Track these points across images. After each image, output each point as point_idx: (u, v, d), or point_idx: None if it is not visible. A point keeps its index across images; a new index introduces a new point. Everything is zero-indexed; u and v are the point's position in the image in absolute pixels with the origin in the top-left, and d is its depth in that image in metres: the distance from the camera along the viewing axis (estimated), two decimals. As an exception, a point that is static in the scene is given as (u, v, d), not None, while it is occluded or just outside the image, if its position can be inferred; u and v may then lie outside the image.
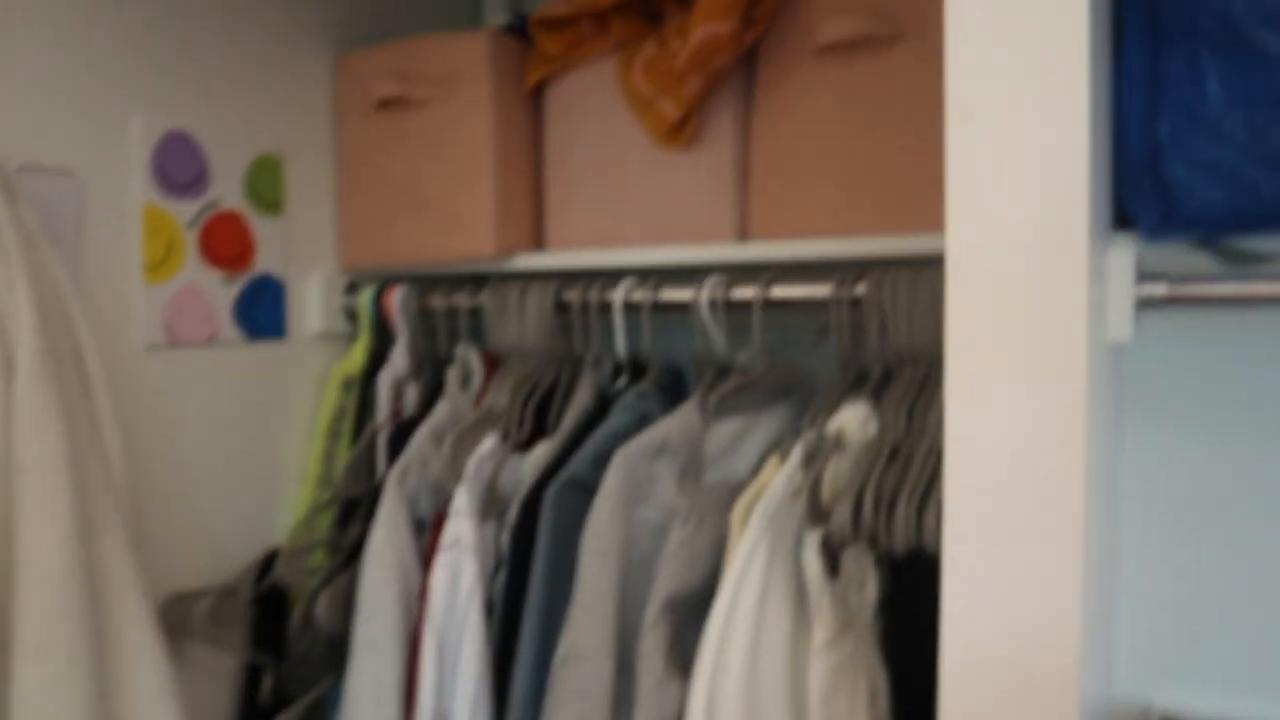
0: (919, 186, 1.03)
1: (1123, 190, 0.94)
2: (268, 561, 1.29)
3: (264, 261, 1.32)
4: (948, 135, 0.64)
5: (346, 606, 1.13)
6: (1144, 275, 0.89)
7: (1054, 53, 0.61)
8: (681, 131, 1.15)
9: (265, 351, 1.34)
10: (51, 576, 0.95)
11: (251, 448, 1.32)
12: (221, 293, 1.28)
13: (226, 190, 1.27)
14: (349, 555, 1.24)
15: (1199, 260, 1.02)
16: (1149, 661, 1.13)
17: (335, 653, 1.23)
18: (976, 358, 0.64)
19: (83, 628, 0.96)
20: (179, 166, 1.22)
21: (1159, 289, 0.90)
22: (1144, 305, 0.89)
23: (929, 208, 1.02)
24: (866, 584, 0.94)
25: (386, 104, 1.33)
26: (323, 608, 1.16)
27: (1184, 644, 1.11)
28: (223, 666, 1.29)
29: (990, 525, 0.64)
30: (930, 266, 0.98)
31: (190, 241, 1.24)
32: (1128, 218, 0.94)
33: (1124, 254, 0.87)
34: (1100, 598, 0.88)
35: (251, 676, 1.30)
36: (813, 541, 0.90)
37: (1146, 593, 1.13)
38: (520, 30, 1.32)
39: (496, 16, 1.56)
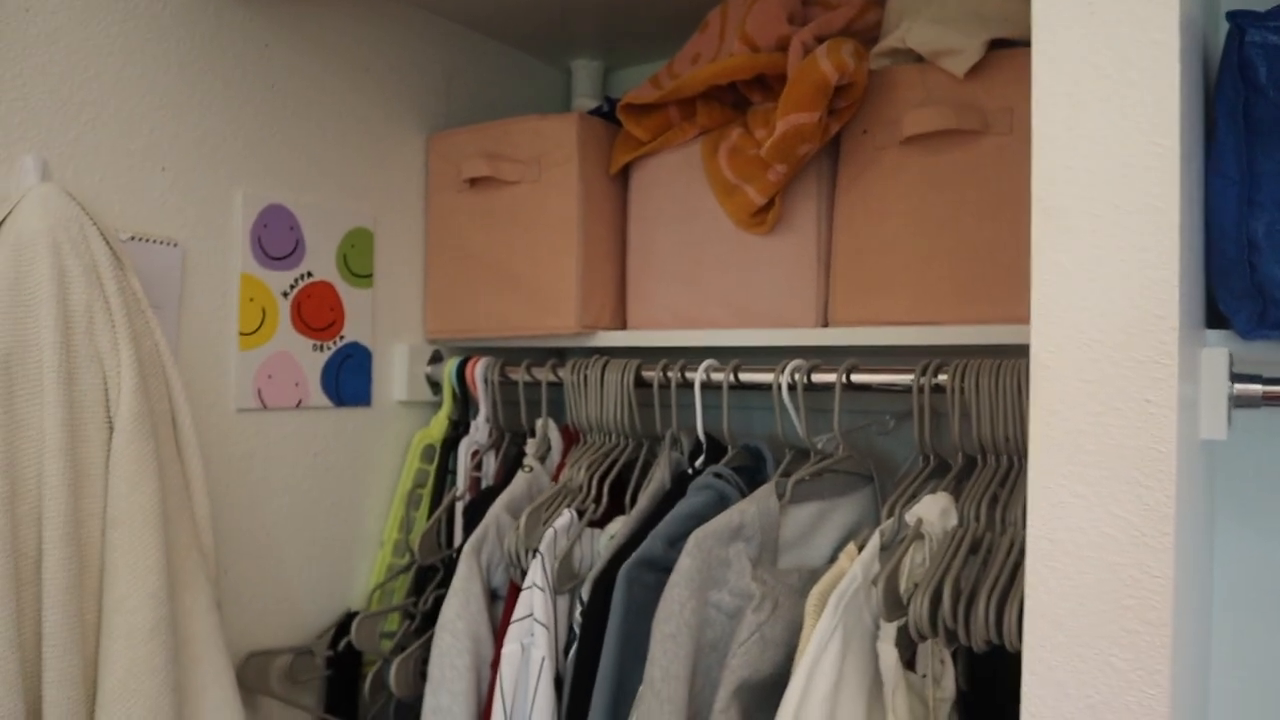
0: (999, 277, 1.03)
1: (1217, 289, 0.92)
2: (344, 624, 1.31)
3: (353, 330, 1.36)
4: (1033, 234, 0.64)
5: (419, 673, 1.15)
6: (1239, 374, 0.88)
7: (1143, 152, 0.61)
8: (765, 217, 1.16)
9: (351, 417, 1.37)
10: (138, 630, 0.98)
11: (333, 511, 1.35)
12: (311, 359, 1.32)
13: (320, 261, 1.32)
14: (424, 622, 1.25)
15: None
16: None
17: (406, 713, 1.24)
18: (1060, 458, 0.63)
19: (165, 682, 0.98)
20: (277, 239, 1.27)
21: (1254, 388, 0.88)
22: (1239, 404, 0.88)
23: (1008, 298, 1.03)
24: (944, 679, 0.92)
25: (476, 182, 1.37)
26: (395, 673, 1.17)
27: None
28: (295, 726, 1.31)
29: (1073, 629, 0.62)
30: (1012, 357, 0.97)
31: (284, 310, 1.28)
32: (1222, 316, 0.93)
33: (1218, 353, 0.86)
34: (1190, 699, 0.84)
35: (323, 737, 1.31)
36: (889, 633, 0.89)
37: (1239, 691, 1.09)
38: (608, 114, 1.36)
39: (585, 100, 1.60)
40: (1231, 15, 0.88)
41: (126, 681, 0.97)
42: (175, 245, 1.16)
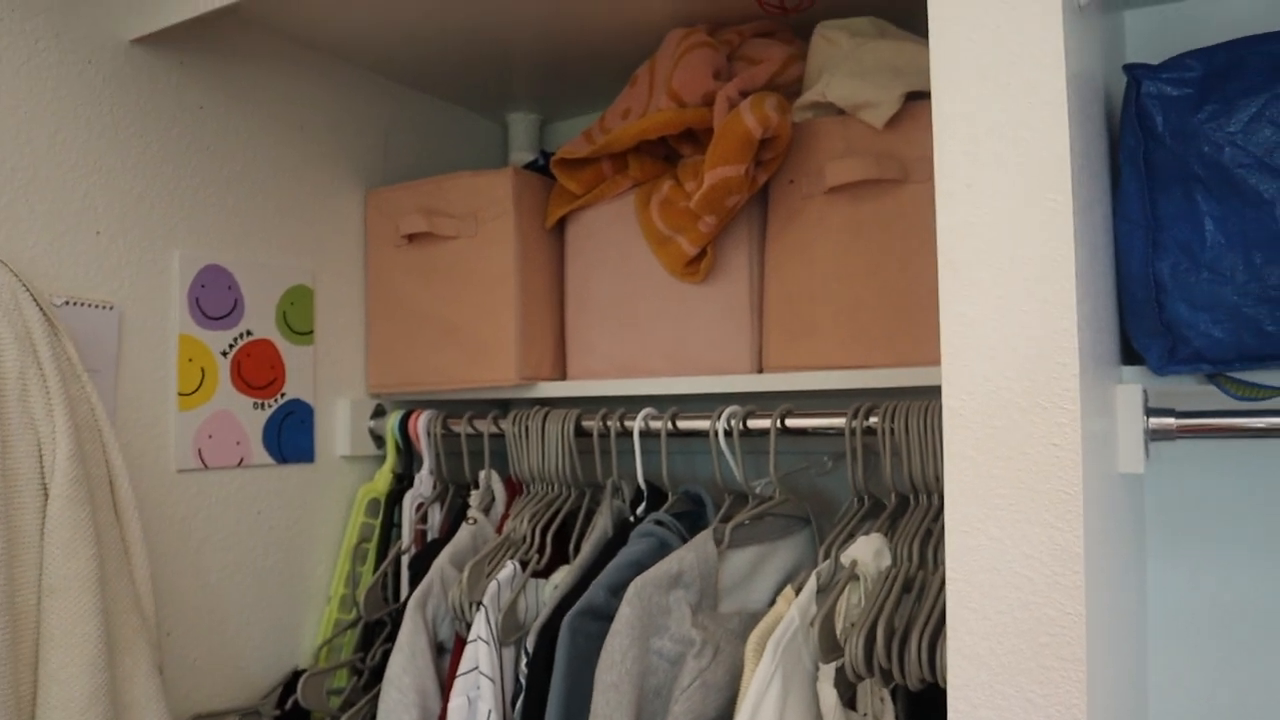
0: (923, 319, 1.06)
1: (1130, 327, 0.96)
2: (291, 682, 1.30)
3: (294, 387, 1.37)
4: (940, 286, 0.67)
5: (367, 732, 1.14)
6: (1155, 409, 0.91)
7: (1038, 207, 0.64)
8: (697, 267, 1.19)
9: (294, 474, 1.37)
10: (75, 699, 0.97)
11: (278, 568, 1.35)
12: (252, 418, 1.32)
13: (259, 320, 1.32)
14: (372, 678, 1.25)
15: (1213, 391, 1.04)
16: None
17: (354, 776, 1.23)
18: (974, 498, 0.66)
19: (105, 753, 0.97)
20: (215, 298, 1.27)
21: (1169, 423, 0.91)
22: (1155, 437, 0.91)
23: (933, 340, 1.06)
24: (884, 717, 0.94)
25: (414, 237, 1.38)
26: (343, 733, 1.17)
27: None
28: (242, 790, 1.29)
29: (993, 667, 0.65)
30: (939, 398, 1.00)
31: (224, 369, 1.28)
32: (1137, 352, 0.97)
33: (1132, 389, 0.90)
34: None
35: (270, 800, 1.30)
36: (828, 674, 0.90)
37: (1179, 716, 1.12)
38: (544, 167, 1.38)
39: (522, 153, 1.62)
40: (1128, 68, 0.92)
41: (66, 754, 0.96)
42: (111, 308, 1.16)
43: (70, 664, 0.98)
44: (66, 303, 1.11)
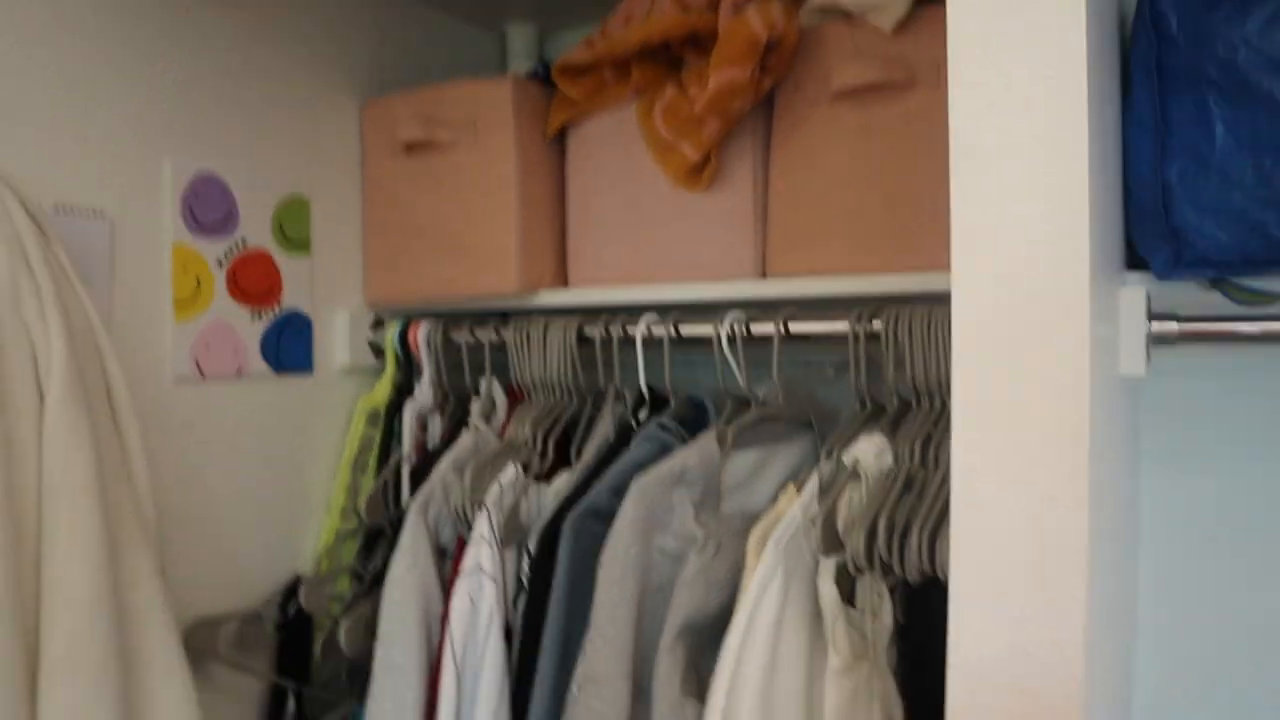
0: (932, 226, 1.06)
1: (1134, 232, 0.96)
2: (292, 588, 1.31)
3: (291, 298, 1.36)
4: (952, 174, 0.66)
5: (369, 633, 1.15)
6: (1157, 314, 0.91)
7: (1054, 95, 0.63)
8: (701, 174, 1.18)
9: (292, 385, 1.37)
10: (79, 599, 0.97)
11: (278, 478, 1.35)
12: (250, 328, 1.31)
13: (255, 230, 1.31)
14: (372, 583, 1.26)
15: (1216, 298, 1.04)
16: (1169, 693, 1.13)
17: (358, 678, 1.25)
18: (980, 394, 0.66)
19: (109, 650, 0.98)
20: (208, 207, 1.26)
21: (1170, 327, 0.92)
22: (1157, 341, 0.92)
23: (938, 246, 1.06)
24: (881, 612, 0.95)
25: (412, 147, 1.37)
26: (346, 633, 1.18)
27: (1205, 675, 1.11)
28: (247, 690, 1.31)
29: (994, 558, 0.65)
30: (945, 304, 1.00)
31: (219, 279, 1.27)
32: (1141, 260, 0.97)
33: (1136, 293, 0.90)
34: (1112, 624, 0.89)
35: (276, 701, 1.31)
36: (828, 569, 0.92)
37: (1166, 625, 1.14)
38: (543, 76, 1.36)
39: (520, 63, 1.60)
40: (1145, -34, 0.91)
41: (69, 653, 0.96)
42: (103, 217, 1.14)
43: (73, 565, 0.98)
44: (57, 210, 1.10)
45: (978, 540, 0.67)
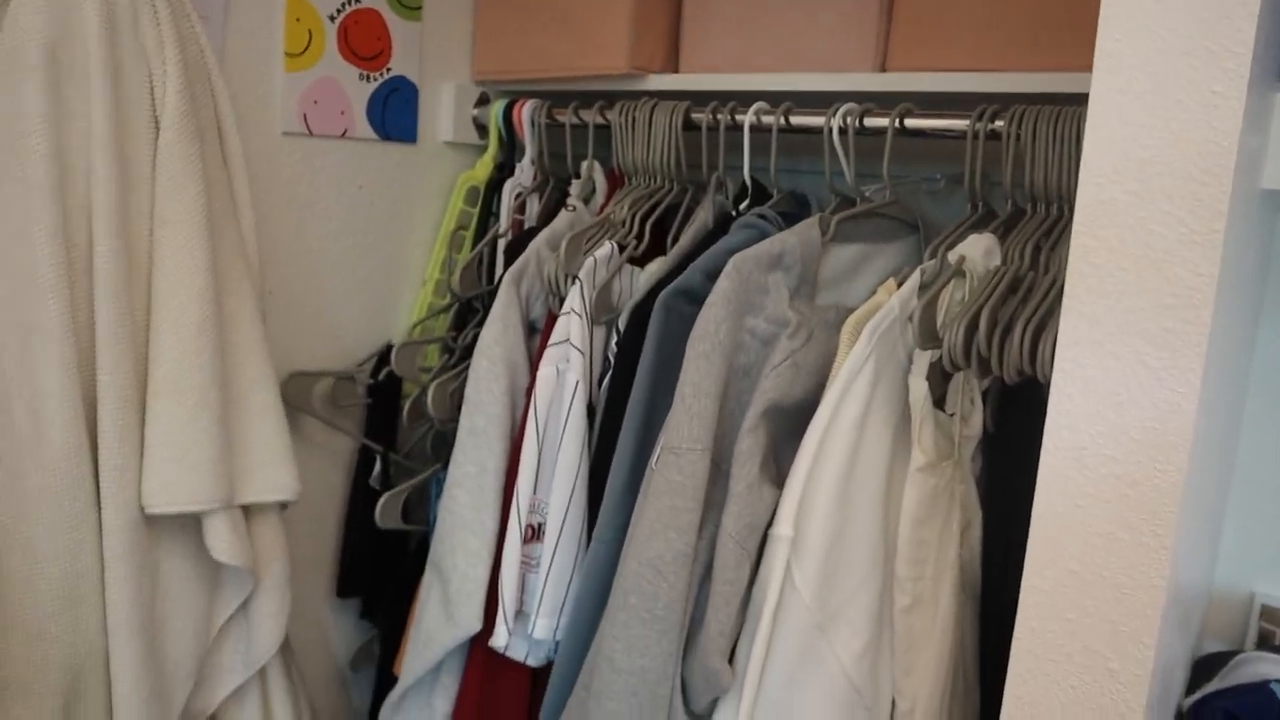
0: (1065, 22, 0.99)
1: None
2: (384, 354, 1.34)
3: (400, 63, 1.34)
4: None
5: (456, 401, 1.17)
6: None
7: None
8: (829, -47, 1.11)
9: (396, 152, 1.36)
10: (185, 325, 1.00)
11: (376, 245, 1.36)
12: (358, 89, 1.30)
13: (369, -13, 1.29)
14: (463, 356, 1.28)
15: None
16: (1256, 552, 1.11)
17: (442, 444, 1.29)
18: (1112, 171, 0.62)
19: (211, 377, 1.01)
20: (325, -41, 1.23)
21: (1322, 142, 0.85)
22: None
23: (1074, 44, 0.99)
24: (972, 417, 0.93)
25: (532, -87, 1.31)
26: (433, 397, 1.21)
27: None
28: (337, 447, 1.36)
29: (1107, 324, 0.62)
30: (1072, 106, 0.94)
31: (331, 34, 1.26)
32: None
33: (1288, 104, 0.82)
34: (1217, 424, 0.85)
35: (363, 460, 1.36)
36: (921, 365, 0.89)
37: (1259, 484, 1.10)
38: None
39: None
40: None
41: (176, 373, 0.99)
42: (222, -43, 1.13)
43: (180, 291, 1.00)
44: (175, -55, 1.08)
45: (1089, 311, 0.63)
